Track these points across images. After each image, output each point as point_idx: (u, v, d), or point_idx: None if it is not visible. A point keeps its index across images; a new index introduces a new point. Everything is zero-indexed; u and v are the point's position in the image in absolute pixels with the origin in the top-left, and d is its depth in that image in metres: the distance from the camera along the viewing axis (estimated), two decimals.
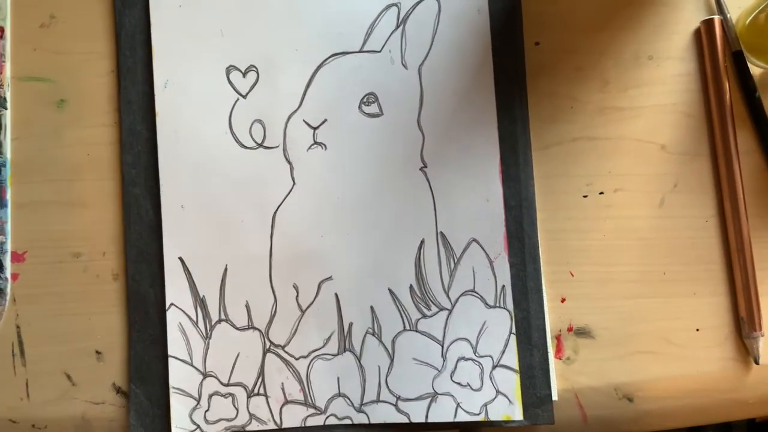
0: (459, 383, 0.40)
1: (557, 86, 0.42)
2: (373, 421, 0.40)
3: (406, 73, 0.42)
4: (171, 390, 0.40)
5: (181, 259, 0.41)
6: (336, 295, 0.41)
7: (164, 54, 0.42)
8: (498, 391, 0.40)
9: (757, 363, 0.41)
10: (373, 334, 0.41)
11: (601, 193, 0.42)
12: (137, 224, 0.41)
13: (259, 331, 0.41)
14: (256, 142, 0.42)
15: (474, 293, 0.41)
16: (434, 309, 0.41)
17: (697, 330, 0.42)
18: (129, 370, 0.41)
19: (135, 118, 0.42)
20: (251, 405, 0.41)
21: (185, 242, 0.41)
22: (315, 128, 0.42)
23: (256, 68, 0.42)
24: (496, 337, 0.41)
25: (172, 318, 0.41)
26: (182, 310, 0.41)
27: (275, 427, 0.40)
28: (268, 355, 0.41)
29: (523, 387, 0.40)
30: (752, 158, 0.42)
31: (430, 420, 0.40)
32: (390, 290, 0.41)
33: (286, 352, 0.41)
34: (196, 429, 0.40)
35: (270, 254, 0.41)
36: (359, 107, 0.42)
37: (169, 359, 0.41)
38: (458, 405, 0.40)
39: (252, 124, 0.42)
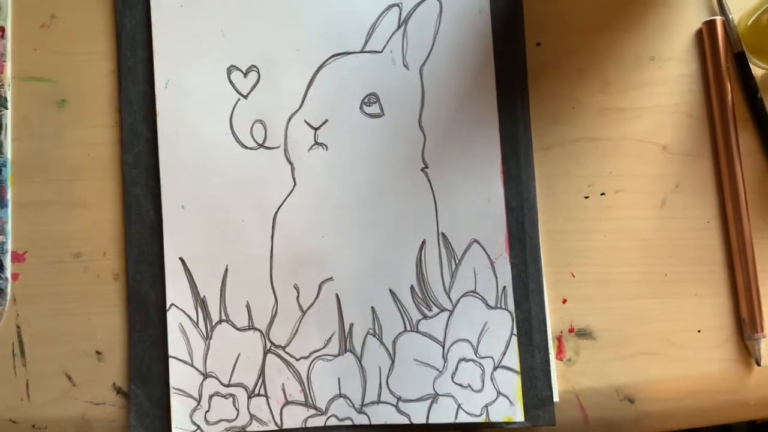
0: (460, 384, 0.40)
1: (559, 87, 0.42)
2: (373, 422, 0.40)
3: (408, 74, 0.42)
4: (171, 390, 0.40)
5: (181, 259, 0.41)
6: (337, 295, 0.41)
7: (165, 54, 0.42)
8: (499, 393, 0.40)
9: (758, 364, 0.41)
10: (373, 335, 0.41)
11: (603, 193, 0.42)
12: (138, 224, 0.41)
13: (260, 331, 0.41)
14: (257, 143, 0.41)
15: (475, 294, 0.41)
16: (435, 310, 0.41)
17: (699, 331, 0.41)
18: (129, 371, 0.41)
19: (136, 118, 0.42)
20: (252, 406, 0.41)
21: (186, 242, 0.41)
22: (316, 129, 0.41)
23: (257, 68, 0.42)
24: (497, 338, 0.41)
25: (173, 318, 0.41)
26: (183, 311, 0.41)
27: (276, 428, 0.40)
28: (269, 355, 0.41)
29: (524, 388, 0.40)
30: (754, 159, 0.42)
31: (430, 421, 0.40)
32: (391, 291, 0.41)
33: (287, 353, 0.41)
34: (196, 429, 0.40)
35: (271, 255, 0.41)
36: (360, 108, 0.42)
37: (170, 360, 0.41)
38: (459, 406, 0.40)
39: (253, 125, 0.42)
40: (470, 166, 0.41)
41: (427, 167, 0.41)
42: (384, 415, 0.40)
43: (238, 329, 0.41)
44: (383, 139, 0.42)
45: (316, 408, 0.40)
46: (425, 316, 0.41)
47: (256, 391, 0.41)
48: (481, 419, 0.40)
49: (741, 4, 0.43)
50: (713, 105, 0.42)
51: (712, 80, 0.42)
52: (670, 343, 0.41)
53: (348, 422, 0.40)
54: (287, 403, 0.41)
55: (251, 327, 0.41)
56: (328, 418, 0.40)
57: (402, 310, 0.41)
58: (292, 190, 0.41)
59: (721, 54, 0.42)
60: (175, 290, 0.41)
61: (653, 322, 0.41)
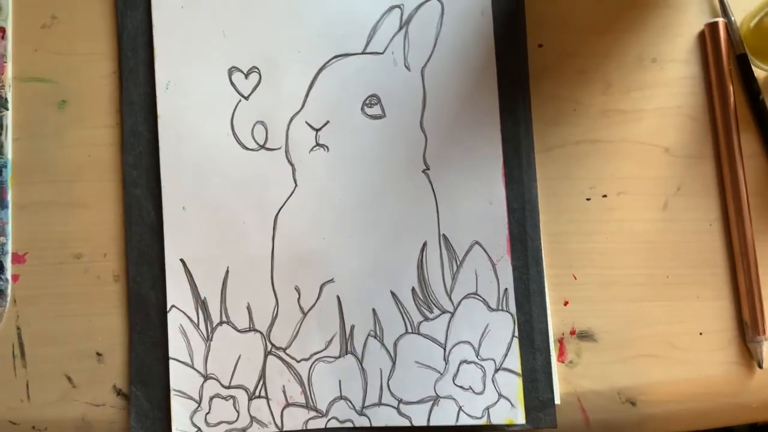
0: (461, 386, 0.40)
1: (560, 89, 0.42)
2: (374, 425, 0.40)
3: (409, 75, 0.42)
4: (172, 392, 0.40)
5: (182, 260, 0.41)
6: (338, 297, 0.41)
7: (166, 55, 0.42)
8: (500, 395, 0.40)
9: (760, 367, 0.41)
10: (375, 337, 0.41)
11: (604, 195, 0.42)
12: (138, 225, 0.41)
13: (261, 333, 0.41)
14: (258, 144, 0.41)
15: (476, 296, 0.41)
16: (436, 312, 0.41)
17: (701, 334, 0.41)
18: (130, 372, 0.41)
19: (137, 119, 0.42)
20: (252, 407, 0.40)
21: (186, 244, 0.41)
22: (317, 130, 0.41)
23: (258, 69, 0.42)
24: (498, 341, 0.40)
25: (173, 320, 0.41)
26: (183, 312, 0.41)
27: (276, 430, 0.40)
28: (270, 357, 0.41)
29: (525, 390, 0.40)
30: (756, 161, 0.42)
31: (432, 423, 0.40)
32: (392, 293, 0.41)
33: (288, 355, 0.41)
34: (196, 431, 0.40)
35: (272, 256, 0.41)
36: (362, 109, 0.42)
37: (170, 361, 0.40)
38: (460, 408, 0.40)
39: (254, 126, 0.41)
40: (472, 167, 0.41)
41: (428, 169, 0.41)
42: (385, 417, 0.40)
43: (238, 331, 0.41)
44: (384, 141, 0.41)
45: (316, 410, 0.40)
46: (426, 318, 0.41)
47: (257, 393, 0.40)
48: (483, 421, 0.40)
49: (743, 5, 0.43)
50: (715, 107, 0.42)
51: (715, 82, 0.42)
52: (671, 346, 0.41)
53: (349, 424, 0.40)
54: (288, 405, 0.40)
55: (252, 328, 0.41)
56: (328, 420, 0.40)
57: (403, 312, 0.41)
58: (293, 192, 0.41)
59: (723, 56, 0.42)
60: (176, 292, 0.41)
61: (655, 325, 0.41)
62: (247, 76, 0.42)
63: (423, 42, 0.42)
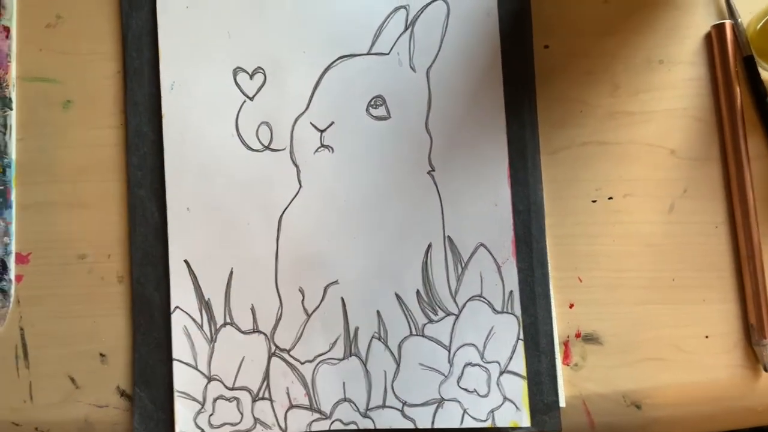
0: (466, 389, 0.40)
1: (567, 90, 0.42)
2: (378, 427, 0.40)
3: (415, 76, 0.42)
4: (175, 394, 0.40)
5: (186, 261, 0.41)
6: (342, 299, 0.41)
7: (171, 55, 0.42)
8: (505, 398, 0.40)
9: (766, 370, 0.41)
10: (379, 339, 0.40)
11: (611, 198, 0.42)
12: (143, 226, 0.41)
13: (265, 334, 0.41)
14: (262, 145, 0.41)
15: (481, 298, 0.41)
16: (441, 314, 0.41)
17: (707, 337, 0.41)
18: (133, 374, 0.41)
19: (141, 119, 0.42)
20: (256, 409, 0.40)
21: (191, 245, 0.41)
22: (322, 131, 0.41)
23: (263, 70, 0.42)
24: (503, 343, 0.40)
25: (177, 321, 0.41)
26: (187, 314, 0.41)
27: None
28: (274, 359, 0.40)
29: (530, 393, 0.40)
30: (763, 163, 0.42)
31: (436, 426, 0.40)
32: (396, 294, 0.41)
33: (292, 357, 0.41)
34: None
35: (276, 257, 0.41)
36: (367, 110, 0.41)
37: (174, 363, 0.40)
38: (465, 411, 0.40)
39: (259, 127, 0.41)
40: (477, 169, 0.41)
41: (433, 170, 0.41)
42: (389, 419, 0.40)
43: (242, 332, 0.41)
44: (389, 142, 0.41)
45: (320, 412, 0.40)
46: (431, 320, 0.41)
47: (261, 395, 0.40)
48: (487, 424, 0.40)
49: (750, 7, 0.42)
50: (722, 109, 0.42)
51: (721, 84, 0.42)
52: (677, 349, 0.41)
53: (353, 426, 0.40)
54: (292, 406, 0.40)
55: (256, 330, 0.41)
56: (332, 423, 0.40)
57: (407, 314, 0.41)
58: (297, 193, 0.41)
59: (730, 58, 0.42)
60: (180, 293, 0.41)
61: (661, 328, 0.41)
62: (251, 76, 0.42)
63: (428, 43, 0.42)
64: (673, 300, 0.41)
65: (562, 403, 0.40)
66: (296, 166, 0.41)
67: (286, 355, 0.40)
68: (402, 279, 0.41)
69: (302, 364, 0.40)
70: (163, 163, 0.41)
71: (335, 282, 0.41)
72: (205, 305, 0.41)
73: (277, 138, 0.41)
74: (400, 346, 0.40)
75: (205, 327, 0.41)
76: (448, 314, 0.41)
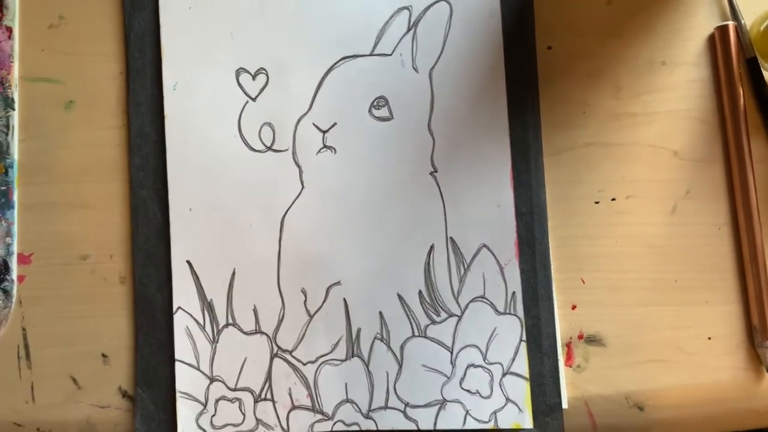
0: (468, 390, 0.40)
1: (569, 91, 0.42)
2: (380, 428, 0.40)
3: (417, 77, 0.42)
4: (177, 394, 0.40)
5: (188, 262, 0.41)
6: (344, 300, 0.41)
7: (173, 56, 0.42)
8: (508, 399, 0.40)
9: None
10: (381, 340, 0.40)
11: (613, 199, 0.42)
12: (145, 227, 0.41)
13: (267, 335, 0.41)
14: (265, 145, 0.41)
15: (484, 300, 0.41)
16: (444, 315, 0.40)
17: (709, 338, 0.41)
18: (135, 374, 0.41)
19: (143, 120, 0.42)
20: (258, 410, 0.40)
21: (193, 245, 0.41)
22: (325, 131, 0.41)
23: (265, 71, 0.41)
24: (506, 344, 0.40)
25: (179, 322, 0.41)
26: (189, 314, 0.41)
27: None
28: (276, 359, 0.40)
29: (533, 395, 0.40)
30: (766, 165, 0.42)
31: (438, 427, 0.40)
32: (399, 295, 0.41)
33: (294, 357, 0.40)
34: None
35: (278, 258, 0.41)
36: (369, 111, 0.41)
37: (176, 363, 0.40)
38: (467, 412, 0.40)
39: (261, 127, 0.41)
40: (480, 170, 0.41)
41: (436, 171, 0.41)
42: (391, 420, 0.40)
43: (244, 333, 0.41)
44: (392, 143, 0.41)
45: (322, 413, 0.40)
46: (433, 322, 0.40)
47: (263, 396, 0.40)
48: (490, 426, 0.40)
49: (754, 9, 0.42)
50: (725, 111, 0.42)
51: (724, 86, 0.42)
52: (680, 351, 0.41)
53: (355, 427, 0.40)
54: (294, 407, 0.40)
55: (258, 331, 0.41)
56: (334, 424, 0.40)
57: (410, 315, 0.41)
58: (299, 193, 0.41)
59: (733, 59, 0.42)
60: (182, 293, 0.41)
61: (663, 329, 0.41)
62: (254, 77, 0.41)
63: (431, 44, 0.42)
64: (676, 301, 0.41)
65: (565, 405, 0.40)
66: (299, 166, 0.41)
67: (288, 356, 0.40)
68: (404, 280, 0.41)
69: (304, 364, 0.40)
70: (166, 164, 0.41)
71: (337, 283, 0.41)
72: (207, 306, 0.41)
73: (279, 139, 0.41)
74: (402, 347, 0.40)
75: (208, 328, 0.41)
76: (451, 315, 0.40)
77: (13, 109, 0.42)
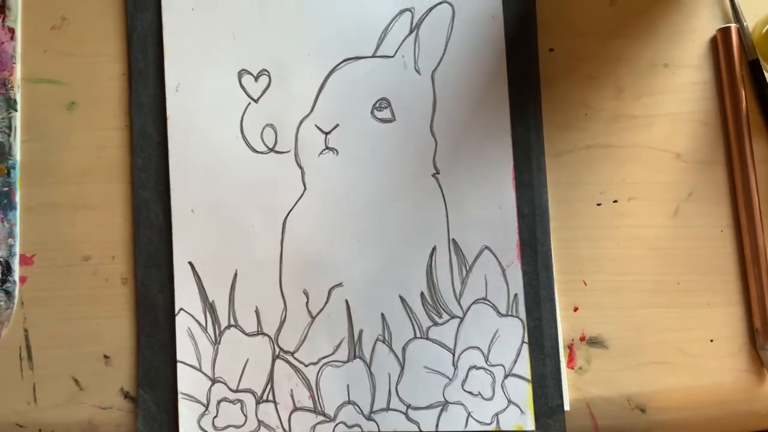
0: (470, 392, 0.40)
1: (571, 93, 0.42)
2: (382, 430, 0.40)
3: (419, 79, 0.42)
4: (179, 396, 0.40)
5: (190, 263, 0.41)
6: (346, 301, 0.41)
7: (176, 57, 0.42)
8: (510, 401, 0.40)
9: None
10: (383, 342, 0.40)
11: (615, 201, 0.42)
12: (147, 228, 0.41)
13: (269, 337, 0.41)
14: (267, 147, 0.41)
15: (486, 301, 0.41)
16: (446, 317, 0.40)
17: (711, 341, 0.41)
18: (137, 375, 0.41)
19: (146, 121, 0.42)
20: (260, 411, 0.40)
21: (195, 246, 0.41)
22: (327, 133, 0.41)
23: (268, 72, 0.42)
24: (508, 346, 0.40)
25: (181, 323, 0.41)
26: (191, 315, 0.41)
27: None
28: (278, 361, 0.40)
29: (535, 397, 0.40)
30: None
31: (440, 429, 0.40)
32: (401, 297, 0.41)
33: (296, 359, 0.40)
34: None
35: (280, 260, 0.41)
36: (371, 112, 0.41)
37: (178, 364, 0.40)
38: (469, 414, 0.40)
39: (263, 129, 0.41)
40: (482, 172, 0.41)
41: (438, 173, 0.41)
42: (393, 422, 0.40)
43: (246, 334, 0.41)
44: (394, 144, 0.41)
45: (324, 414, 0.40)
46: (435, 323, 0.40)
47: (265, 397, 0.40)
48: (492, 428, 0.40)
49: (756, 11, 0.42)
50: (727, 113, 0.42)
51: (726, 88, 0.42)
52: (682, 353, 0.41)
53: (357, 429, 0.40)
54: (295, 409, 0.40)
55: (260, 332, 0.41)
56: (336, 425, 0.40)
57: (412, 317, 0.41)
58: (302, 195, 0.41)
59: (735, 61, 0.42)
60: (184, 295, 0.41)
61: (665, 331, 0.41)
62: (256, 78, 0.42)
63: (433, 45, 0.42)
64: (678, 303, 0.41)
65: (567, 407, 0.40)
66: (301, 168, 0.41)
67: (290, 358, 0.40)
68: (406, 282, 0.41)
69: (306, 366, 0.40)
70: (168, 165, 0.41)
71: (339, 284, 0.41)
72: (209, 307, 0.41)
73: (281, 140, 0.41)
74: (404, 349, 0.40)
75: (210, 329, 0.41)
76: (453, 317, 0.40)
77: (16, 111, 0.42)
